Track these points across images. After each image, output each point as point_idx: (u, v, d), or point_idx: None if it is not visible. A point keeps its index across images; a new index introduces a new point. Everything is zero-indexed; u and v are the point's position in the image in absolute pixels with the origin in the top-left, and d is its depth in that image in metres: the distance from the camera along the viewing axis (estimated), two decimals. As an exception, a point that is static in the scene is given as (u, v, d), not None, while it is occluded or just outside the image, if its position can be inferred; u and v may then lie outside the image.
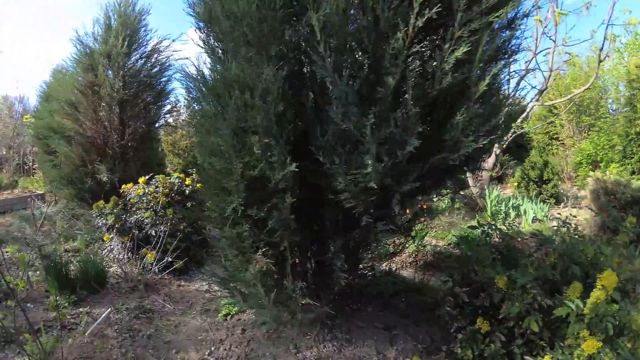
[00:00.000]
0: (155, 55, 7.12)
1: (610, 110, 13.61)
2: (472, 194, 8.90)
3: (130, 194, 5.13)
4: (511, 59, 2.71)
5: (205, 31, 2.83)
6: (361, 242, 3.00)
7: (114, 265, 5.30)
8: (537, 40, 8.23)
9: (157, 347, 3.47)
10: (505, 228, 3.57)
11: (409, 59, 2.20)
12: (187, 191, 5.25)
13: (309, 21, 2.23)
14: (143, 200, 4.93)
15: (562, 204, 9.11)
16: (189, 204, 5.34)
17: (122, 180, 5.70)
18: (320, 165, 2.43)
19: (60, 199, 6.95)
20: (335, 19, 2.17)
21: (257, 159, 2.39)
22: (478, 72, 2.30)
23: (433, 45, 2.40)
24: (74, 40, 7.00)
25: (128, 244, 4.87)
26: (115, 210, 4.98)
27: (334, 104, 2.26)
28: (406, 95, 2.19)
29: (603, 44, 7.82)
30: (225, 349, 3.43)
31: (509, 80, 4.90)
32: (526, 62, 8.44)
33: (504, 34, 2.58)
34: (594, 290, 2.15)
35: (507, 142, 9.37)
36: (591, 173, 6.34)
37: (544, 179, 9.26)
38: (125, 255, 4.98)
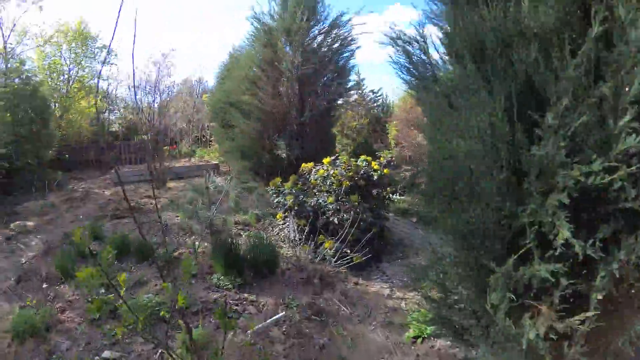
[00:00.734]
0: (335, 31, 6.68)
1: None
2: None
3: (311, 173, 4.70)
4: None
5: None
6: None
7: (285, 246, 4.98)
8: None
9: (330, 363, 2.84)
10: None
11: None
12: (374, 176, 4.57)
13: None
14: (326, 182, 4.43)
15: None
16: (374, 191, 4.68)
17: (299, 157, 5.37)
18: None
19: (233, 171, 7.17)
20: None
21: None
22: None
23: None
24: (251, 18, 7.00)
25: (305, 228, 4.44)
26: (295, 189, 4.60)
27: None
28: None
29: None
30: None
31: None
32: None
33: None
34: None
35: None
36: None
37: None
38: (300, 238, 4.57)
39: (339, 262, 4.17)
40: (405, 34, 3.00)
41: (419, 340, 3.20)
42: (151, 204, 7.52)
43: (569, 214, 1.40)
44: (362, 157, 4.81)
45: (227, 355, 2.70)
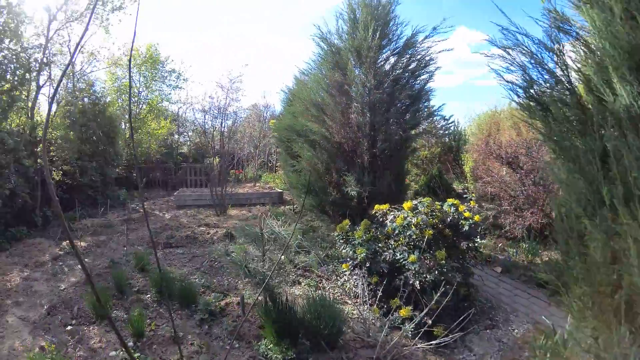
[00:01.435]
0: (410, 50, 5.94)
1: None
2: None
3: (386, 217, 3.93)
4: None
5: None
6: None
7: (350, 302, 4.23)
8: None
9: None
10: None
11: None
12: (465, 226, 3.70)
13: None
14: (405, 233, 3.62)
15: None
16: (463, 244, 3.80)
17: (371, 194, 4.64)
18: None
19: (297, 205, 6.60)
20: None
21: None
22: None
23: None
24: (317, 38, 6.46)
25: (377, 288, 3.65)
26: (365, 237, 3.85)
27: None
28: None
29: None
30: None
31: None
32: None
33: None
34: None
35: None
36: None
37: None
38: (368, 299, 3.78)
39: (415, 331, 3.30)
40: (525, 45, 2.31)
41: None
42: (208, 233, 7.16)
43: None
44: (450, 200, 3.96)
45: None
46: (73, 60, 8.91)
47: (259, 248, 3.32)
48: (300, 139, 6.02)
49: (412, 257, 3.36)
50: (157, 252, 6.00)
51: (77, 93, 9.78)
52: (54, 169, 7.61)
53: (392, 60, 6.03)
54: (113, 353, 3.24)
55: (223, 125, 10.28)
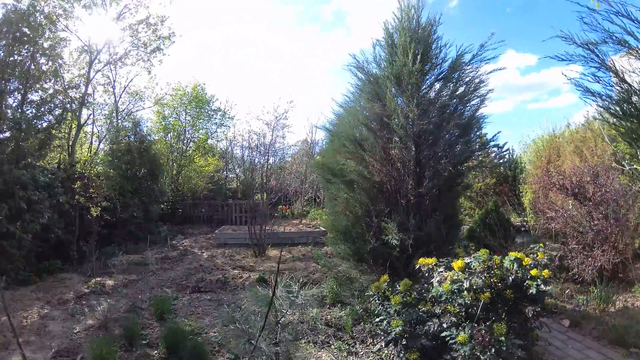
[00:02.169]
0: (457, 73, 5.27)
1: None
2: None
3: (432, 274, 3.21)
4: None
5: None
6: None
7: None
8: None
9: None
10: None
11: None
12: (531, 287, 2.89)
13: None
14: (454, 299, 2.88)
15: None
16: (529, 310, 2.98)
17: (417, 240, 3.93)
18: None
19: (333, 252, 5.97)
20: None
21: None
22: None
23: None
24: (354, 68, 5.96)
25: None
26: (405, 300, 3.14)
27: None
28: None
29: None
30: None
31: None
32: None
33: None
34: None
35: None
36: None
37: None
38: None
39: None
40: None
41: None
42: (240, 277, 6.71)
43: None
44: (512, 254, 3.15)
45: None
46: (117, 100, 9.20)
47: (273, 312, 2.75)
48: (337, 179, 5.45)
49: (462, 336, 2.59)
50: (183, 297, 5.67)
51: (122, 132, 10.05)
52: (91, 205, 7.63)
53: (437, 86, 5.38)
54: None
55: (268, 161, 10.10)
